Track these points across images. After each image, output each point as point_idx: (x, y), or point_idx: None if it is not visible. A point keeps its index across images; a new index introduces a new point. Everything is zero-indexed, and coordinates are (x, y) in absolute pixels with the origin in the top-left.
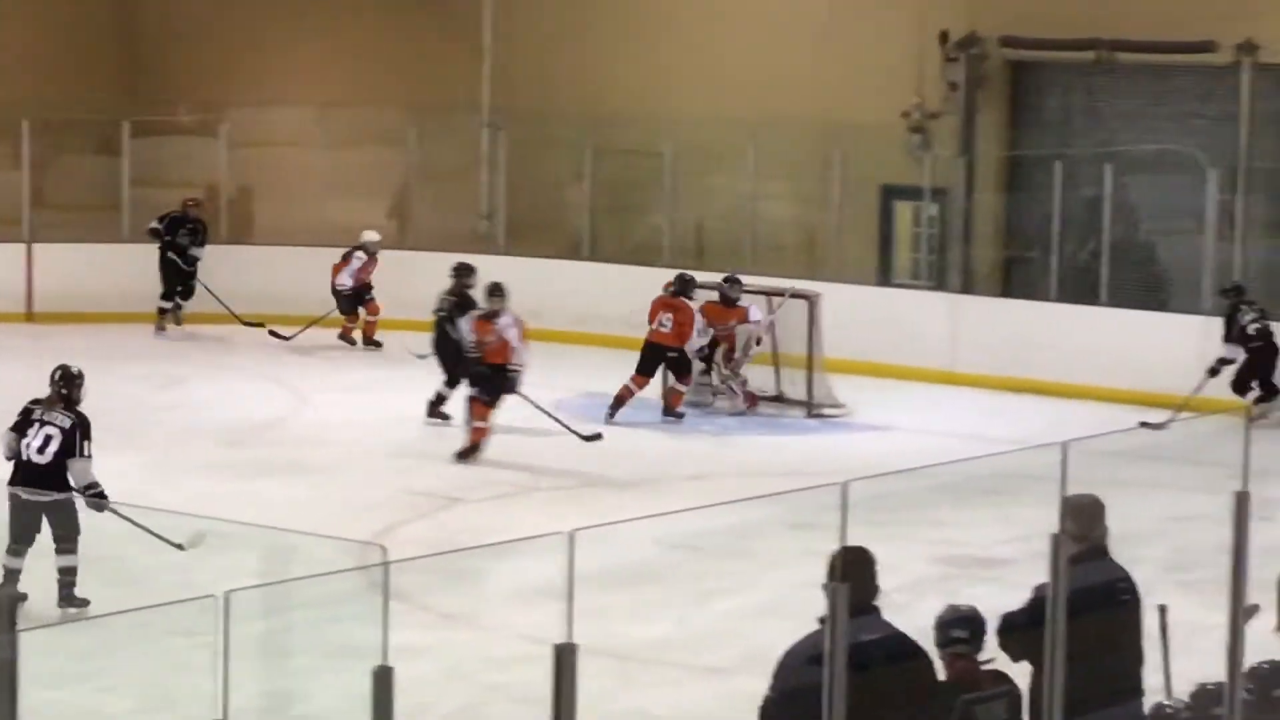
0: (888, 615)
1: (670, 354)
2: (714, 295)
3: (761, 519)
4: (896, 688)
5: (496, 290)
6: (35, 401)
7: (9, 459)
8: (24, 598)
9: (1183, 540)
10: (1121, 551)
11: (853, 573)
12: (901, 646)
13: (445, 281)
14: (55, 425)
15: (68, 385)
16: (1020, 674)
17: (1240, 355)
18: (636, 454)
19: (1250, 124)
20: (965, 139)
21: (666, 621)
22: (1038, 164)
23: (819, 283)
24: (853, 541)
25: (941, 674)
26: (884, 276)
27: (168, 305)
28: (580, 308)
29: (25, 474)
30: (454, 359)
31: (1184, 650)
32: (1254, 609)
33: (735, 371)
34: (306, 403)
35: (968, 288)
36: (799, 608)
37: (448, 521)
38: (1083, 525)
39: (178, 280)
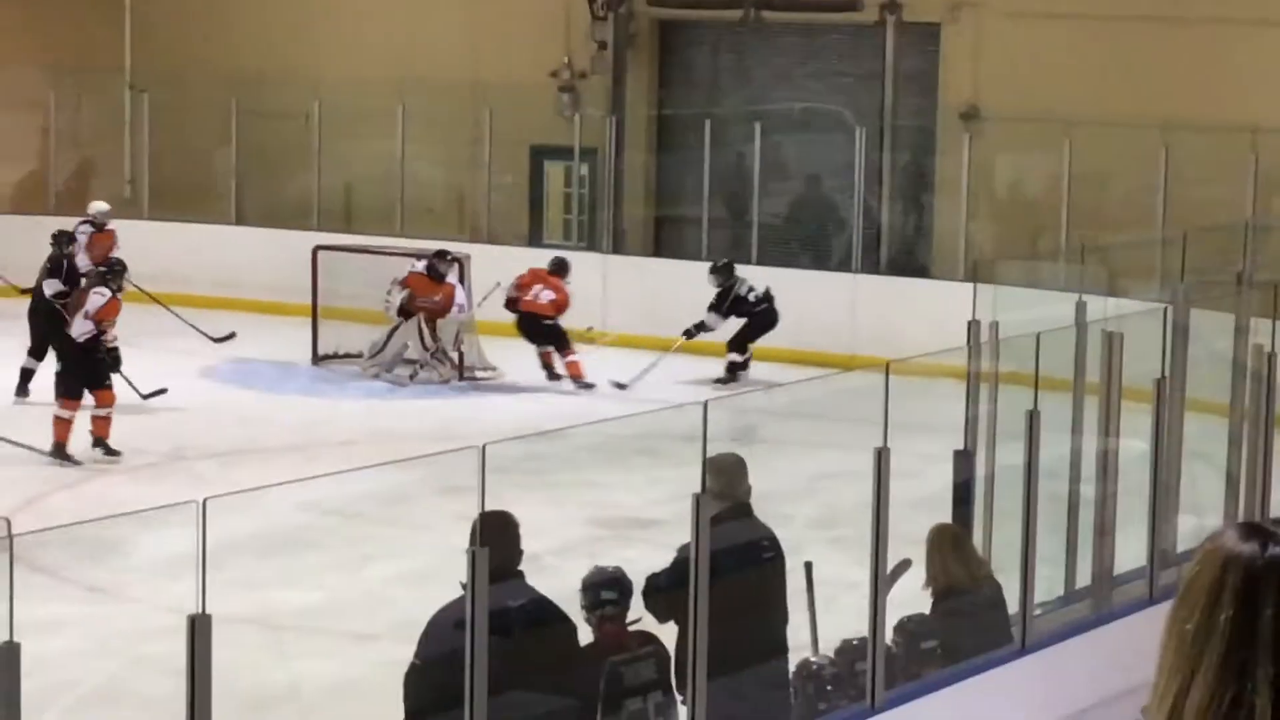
0: (538, 578)
1: (546, 321)
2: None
3: (412, 483)
4: (541, 652)
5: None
6: None
7: None
8: None
9: (831, 497)
10: (770, 509)
11: (493, 537)
12: (544, 611)
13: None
14: None
15: None
16: (668, 634)
17: (720, 325)
18: (286, 421)
19: (894, 82)
20: (615, 98)
21: (317, 589)
22: (687, 123)
23: (470, 244)
24: (504, 505)
25: (589, 636)
26: (535, 238)
27: None
28: (227, 273)
29: None
30: (44, 331)
31: (831, 607)
32: (906, 564)
33: (440, 345)
34: None
35: (618, 248)
36: (450, 573)
37: (90, 493)
38: (725, 484)
39: None
